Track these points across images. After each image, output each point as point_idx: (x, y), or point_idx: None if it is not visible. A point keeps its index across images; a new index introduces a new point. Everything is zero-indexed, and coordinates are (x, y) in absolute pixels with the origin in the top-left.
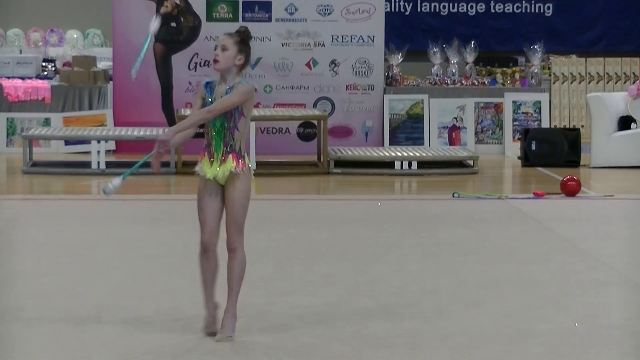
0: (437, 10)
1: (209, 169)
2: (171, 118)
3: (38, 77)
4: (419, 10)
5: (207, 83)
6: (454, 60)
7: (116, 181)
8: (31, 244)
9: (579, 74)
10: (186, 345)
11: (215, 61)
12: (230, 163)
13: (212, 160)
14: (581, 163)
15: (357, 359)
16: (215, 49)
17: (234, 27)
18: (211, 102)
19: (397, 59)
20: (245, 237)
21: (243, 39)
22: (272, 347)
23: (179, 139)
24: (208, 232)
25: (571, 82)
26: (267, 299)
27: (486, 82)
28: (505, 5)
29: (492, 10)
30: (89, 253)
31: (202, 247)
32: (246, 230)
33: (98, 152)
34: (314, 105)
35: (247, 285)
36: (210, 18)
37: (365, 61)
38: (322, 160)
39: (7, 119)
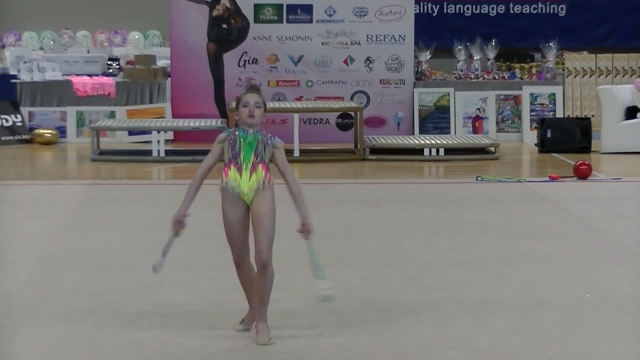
0: (462, 11)
1: (240, 180)
2: (223, 110)
3: (104, 74)
4: (445, 11)
5: (229, 133)
6: (476, 56)
7: (159, 259)
8: (99, 224)
9: (590, 68)
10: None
11: (252, 117)
12: (261, 172)
13: (240, 169)
14: (592, 149)
15: (388, 325)
16: (246, 105)
17: (279, 28)
18: (236, 141)
19: (426, 55)
20: (289, 215)
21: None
22: (313, 314)
23: (188, 205)
24: (238, 252)
25: (583, 76)
26: (308, 272)
27: (506, 77)
28: (523, 6)
29: (511, 11)
30: (150, 232)
31: (235, 264)
32: (290, 208)
33: (158, 141)
34: (351, 98)
35: (292, 260)
36: (257, 20)
37: (397, 58)
38: (358, 147)
39: (77, 112)
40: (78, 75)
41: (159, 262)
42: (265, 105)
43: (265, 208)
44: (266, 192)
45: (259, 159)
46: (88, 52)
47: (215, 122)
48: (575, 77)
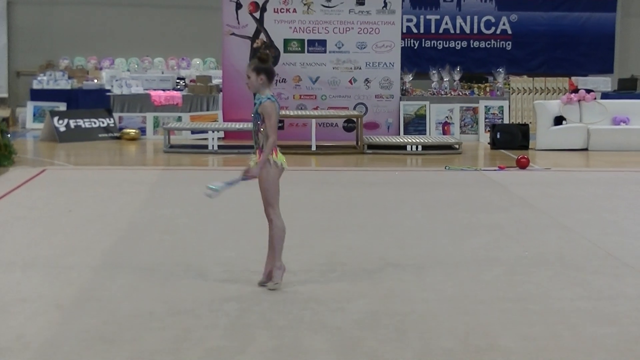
0: (435, 45)
1: (251, 162)
2: None
3: (174, 89)
4: (423, 45)
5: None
6: (446, 78)
7: (219, 185)
8: (169, 199)
9: (529, 88)
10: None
11: (248, 86)
12: (256, 157)
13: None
14: (530, 147)
15: (380, 274)
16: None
17: (302, 56)
18: (252, 115)
19: (409, 77)
20: (307, 193)
21: (260, 60)
22: (325, 266)
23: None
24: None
25: (523, 94)
26: (321, 235)
27: (467, 93)
28: (480, 42)
29: (472, 46)
30: (207, 205)
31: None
32: (309, 188)
33: (212, 138)
34: (354, 108)
35: (311, 226)
36: (286, 50)
37: (387, 79)
38: (359, 144)
39: (154, 116)
40: (155, 90)
41: (217, 187)
42: (256, 70)
43: (262, 183)
44: (262, 170)
45: (256, 146)
46: (162, 73)
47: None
48: (517, 94)
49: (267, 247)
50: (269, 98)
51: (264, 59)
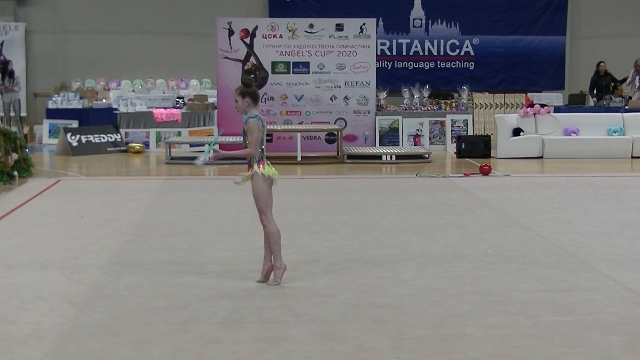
0: (406, 66)
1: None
2: None
3: (174, 107)
4: (395, 66)
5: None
6: (416, 95)
7: (202, 157)
8: (170, 205)
9: (490, 103)
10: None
11: (236, 109)
12: (247, 171)
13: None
14: (491, 156)
15: (360, 271)
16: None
17: (288, 77)
18: (242, 132)
19: (383, 95)
20: (294, 199)
21: (244, 85)
22: (310, 264)
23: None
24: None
25: (485, 108)
26: (308, 236)
27: (435, 108)
28: (446, 63)
29: (439, 66)
30: (204, 209)
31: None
32: (295, 194)
33: (209, 151)
34: (335, 122)
35: (297, 227)
36: (273, 71)
37: (364, 96)
38: (339, 154)
39: (156, 132)
40: (157, 108)
41: (202, 160)
42: (241, 94)
43: (254, 193)
44: (253, 181)
45: (247, 162)
46: (163, 92)
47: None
48: (480, 109)
49: (260, 248)
50: (253, 117)
51: (248, 84)
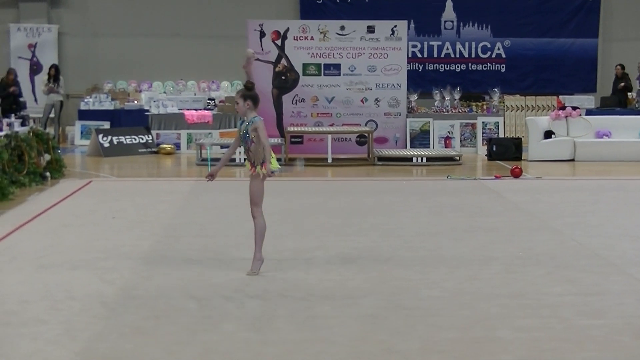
0: (437, 68)
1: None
2: (282, 132)
3: (205, 109)
4: (426, 69)
5: (241, 121)
6: (447, 97)
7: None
8: (201, 206)
9: (521, 105)
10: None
11: (236, 111)
12: (248, 166)
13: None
14: (522, 158)
15: (390, 273)
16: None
17: (319, 79)
18: (239, 134)
19: (414, 97)
20: (324, 201)
21: (246, 88)
22: (343, 265)
23: (219, 168)
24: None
25: (516, 111)
26: (338, 238)
27: (466, 111)
28: (477, 65)
29: (470, 69)
30: (234, 210)
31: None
32: (326, 196)
33: (239, 152)
34: (365, 124)
35: (328, 229)
36: (304, 74)
37: (395, 98)
38: (370, 157)
39: (187, 133)
40: (188, 109)
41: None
42: (243, 97)
43: (252, 187)
44: (252, 178)
45: (249, 157)
46: (195, 94)
47: (276, 140)
48: (511, 111)
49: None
50: (257, 117)
51: (250, 88)
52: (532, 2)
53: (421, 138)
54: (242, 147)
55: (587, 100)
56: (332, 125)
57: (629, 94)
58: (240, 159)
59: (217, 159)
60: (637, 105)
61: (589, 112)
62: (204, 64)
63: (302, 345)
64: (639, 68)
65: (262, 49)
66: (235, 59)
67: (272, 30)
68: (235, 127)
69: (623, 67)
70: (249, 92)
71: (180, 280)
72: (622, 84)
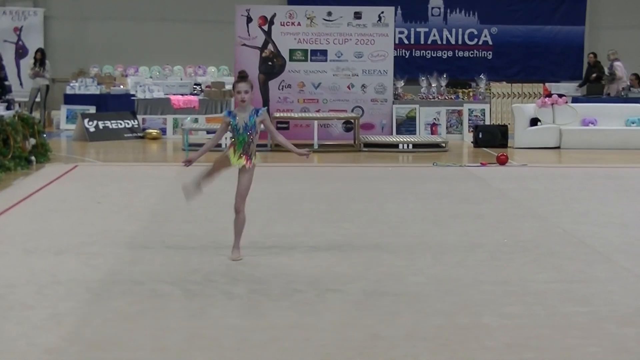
0: (424, 55)
1: (233, 158)
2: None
3: (191, 94)
4: (413, 55)
5: (229, 112)
6: (434, 84)
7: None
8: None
9: (507, 93)
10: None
11: (243, 100)
12: (243, 161)
13: (235, 153)
14: (508, 145)
15: (376, 260)
16: (239, 93)
17: (306, 65)
18: (236, 125)
19: (401, 83)
20: (310, 187)
21: (246, 76)
22: (329, 251)
23: (199, 155)
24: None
25: (502, 98)
26: (324, 225)
27: (453, 98)
28: (464, 52)
29: (457, 55)
30: (221, 197)
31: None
32: (312, 182)
33: (226, 137)
34: (352, 111)
35: (314, 215)
36: (291, 59)
37: (382, 85)
38: (356, 143)
39: (173, 118)
40: (174, 94)
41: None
42: (252, 87)
43: (244, 179)
44: (247, 171)
45: (242, 152)
46: (181, 79)
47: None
48: (497, 98)
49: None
50: (261, 108)
51: (246, 76)
52: None
53: (407, 125)
54: (237, 136)
55: (573, 88)
56: (318, 111)
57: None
58: (225, 144)
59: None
60: (623, 94)
61: (575, 100)
62: (191, 49)
63: (288, 332)
64: (608, 57)
65: (249, 35)
66: (222, 44)
67: (259, 16)
68: (221, 112)
69: (595, 56)
70: (250, 81)
71: (166, 265)
72: (594, 75)
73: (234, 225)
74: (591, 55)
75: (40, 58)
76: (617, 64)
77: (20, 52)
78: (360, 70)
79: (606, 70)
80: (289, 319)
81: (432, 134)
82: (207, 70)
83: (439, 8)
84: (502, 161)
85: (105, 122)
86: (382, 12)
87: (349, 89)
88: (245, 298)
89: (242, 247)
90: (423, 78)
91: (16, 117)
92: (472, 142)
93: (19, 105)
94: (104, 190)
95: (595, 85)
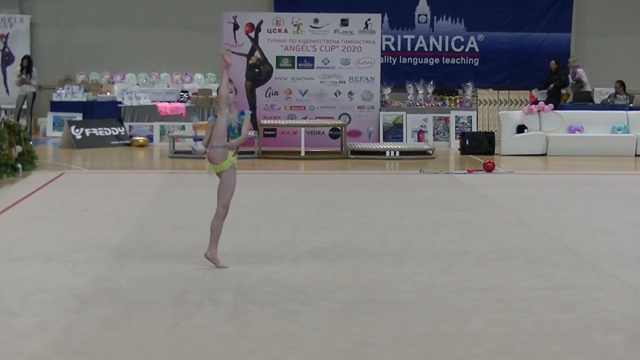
0: (411, 62)
1: (231, 158)
2: (255, 125)
3: (178, 101)
4: (400, 62)
5: (216, 117)
6: (420, 91)
7: (199, 147)
8: (173, 199)
9: (494, 100)
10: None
11: (232, 100)
12: (235, 159)
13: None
14: (495, 152)
15: (363, 267)
16: (230, 92)
17: (292, 72)
18: (230, 125)
19: (387, 90)
20: (297, 194)
21: (232, 82)
22: (313, 258)
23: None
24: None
25: (489, 105)
26: (311, 232)
27: (440, 105)
28: (451, 59)
29: (443, 62)
30: (208, 204)
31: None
32: (299, 189)
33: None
34: (339, 118)
35: (300, 223)
36: (278, 66)
37: (369, 92)
38: (343, 150)
39: (160, 125)
40: (161, 101)
41: (198, 149)
42: (236, 90)
43: (229, 184)
44: (228, 171)
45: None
46: (168, 86)
47: (250, 133)
48: (484, 105)
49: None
50: (246, 110)
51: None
52: None
53: (394, 132)
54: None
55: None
56: (305, 118)
57: (562, 90)
58: None
59: (187, 152)
60: (609, 101)
61: (562, 107)
62: (178, 56)
63: (275, 339)
64: (570, 65)
65: (236, 42)
66: (209, 51)
67: (246, 23)
68: (207, 119)
69: (557, 62)
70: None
71: (152, 273)
72: (552, 85)
73: (219, 225)
74: (553, 62)
75: (27, 65)
76: (579, 70)
77: (7, 59)
78: (347, 77)
79: (570, 78)
80: (275, 327)
81: (419, 141)
82: (194, 77)
83: (426, 15)
84: (488, 168)
85: (92, 129)
86: (369, 19)
87: (336, 96)
88: (231, 306)
89: (227, 254)
90: (410, 85)
91: (2, 124)
92: (459, 149)
93: (5, 113)
94: (91, 198)
95: (554, 93)
